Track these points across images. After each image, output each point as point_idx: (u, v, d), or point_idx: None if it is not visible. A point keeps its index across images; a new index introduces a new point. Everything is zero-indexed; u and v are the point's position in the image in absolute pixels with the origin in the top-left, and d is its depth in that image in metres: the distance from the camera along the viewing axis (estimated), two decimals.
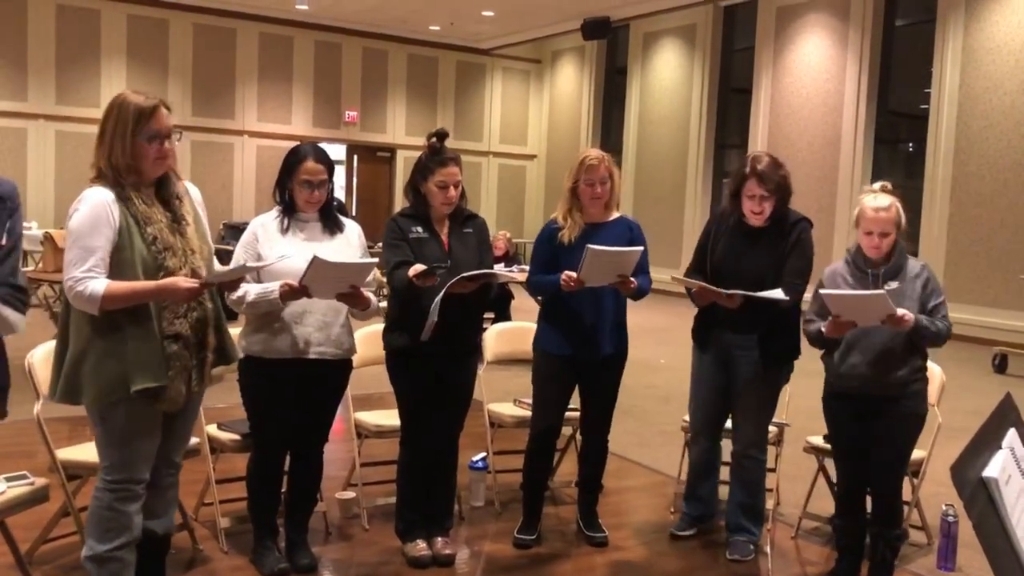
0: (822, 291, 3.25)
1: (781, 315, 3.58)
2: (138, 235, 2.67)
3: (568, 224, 3.68)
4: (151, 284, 2.65)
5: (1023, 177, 9.84)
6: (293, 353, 3.26)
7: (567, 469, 4.50)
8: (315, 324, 3.29)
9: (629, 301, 3.72)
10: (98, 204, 2.64)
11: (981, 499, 1.39)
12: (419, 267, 3.26)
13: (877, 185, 3.39)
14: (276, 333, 3.25)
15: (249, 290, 3.17)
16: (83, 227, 2.62)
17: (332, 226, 3.39)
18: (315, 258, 3.01)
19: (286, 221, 3.31)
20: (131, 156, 2.66)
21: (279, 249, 3.21)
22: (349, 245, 3.39)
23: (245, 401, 3.37)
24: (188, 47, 14.59)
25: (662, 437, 5.48)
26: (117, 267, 2.65)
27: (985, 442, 1.53)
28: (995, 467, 1.44)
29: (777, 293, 3.43)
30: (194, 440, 3.53)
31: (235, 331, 3.22)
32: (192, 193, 2.93)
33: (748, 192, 3.56)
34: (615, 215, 3.77)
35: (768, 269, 3.57)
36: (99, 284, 2.59)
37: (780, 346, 3.66)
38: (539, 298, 3.86)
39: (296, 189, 3.29)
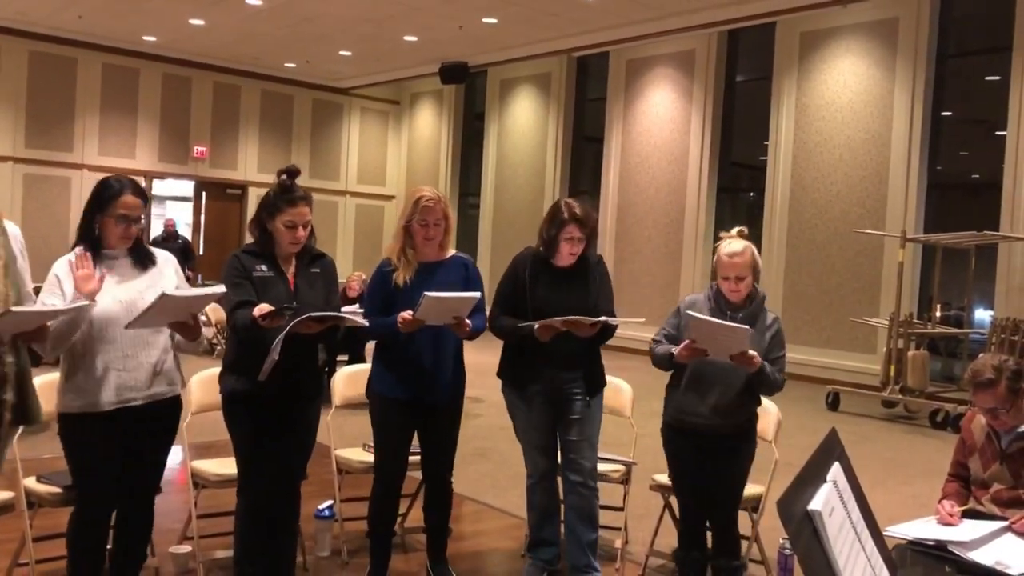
0: (690, 312, 3.30)
1: (595, 349, 3.77)
2: None
3: (402, 264, 3.62)
4: None
5: (851, 225, 10.55)
6: (119, 403, 3.01)
7: (418, 515, 4.40)
8: (138, 367, 3.05)
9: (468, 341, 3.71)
10: None
11: (806, 532, 1.43)
12: (265, 307, 3.12)
13: (734, 231, 3.51)
14: (99, 383, 2.98)
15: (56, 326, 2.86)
16: None
17: (143, 261, 3.13)
18: (163, 295, 2.84)
19: (92, 260, 3.00)
20: None
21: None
22: (163, 277, 3.16)
23: (68, 456, 3.07)
24: (23, 75, 13.77)
25: (516, 479, 5.43)
26: None
27: (810, 476, 1.58)
28: (819, 500, 1.48)
29: (615, 321, 3.65)
30: (8, 495, 3.26)
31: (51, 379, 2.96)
32: (10, 231, 2.70)
33: (567, 235, 3.66)
34: (450, 253, 3.74)
35: (590, 303, 3.70)
36: None
37: (598, 377, 3.82)
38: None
39: (109, 224, 3.02)
